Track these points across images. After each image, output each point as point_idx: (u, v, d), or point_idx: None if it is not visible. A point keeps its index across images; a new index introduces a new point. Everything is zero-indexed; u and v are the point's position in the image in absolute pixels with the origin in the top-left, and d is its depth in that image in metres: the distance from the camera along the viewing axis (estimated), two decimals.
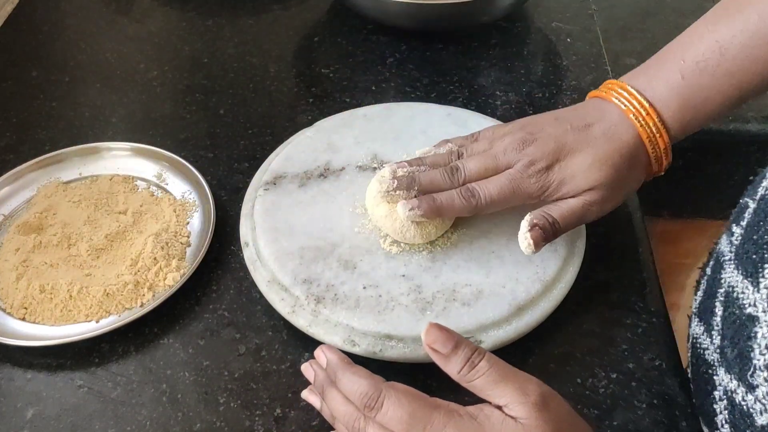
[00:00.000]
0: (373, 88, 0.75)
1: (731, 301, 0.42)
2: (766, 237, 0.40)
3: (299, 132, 0.66)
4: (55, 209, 0.61)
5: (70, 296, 0.54)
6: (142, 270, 0.55)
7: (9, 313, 0.54)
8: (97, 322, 0.53)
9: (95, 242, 0.58)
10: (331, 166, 0.61)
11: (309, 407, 0.49)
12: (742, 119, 0.73)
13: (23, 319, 0.54)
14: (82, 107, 0.74)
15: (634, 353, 0.52)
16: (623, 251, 0.59)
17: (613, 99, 0.53)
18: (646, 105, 0.52)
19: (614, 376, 0.51)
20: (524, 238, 0.50)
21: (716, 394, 0.44)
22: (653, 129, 0.52)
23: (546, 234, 0.50)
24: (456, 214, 0.53)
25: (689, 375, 0.50)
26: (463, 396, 0.50)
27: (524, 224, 0.50)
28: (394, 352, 0.49)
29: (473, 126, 0.65)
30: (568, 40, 0.81)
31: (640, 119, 0.52)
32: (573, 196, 0.52)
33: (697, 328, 0.48)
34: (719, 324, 0.44)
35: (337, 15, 0.86)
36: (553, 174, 0.51)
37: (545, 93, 0.74)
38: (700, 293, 0.49)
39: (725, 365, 0.43)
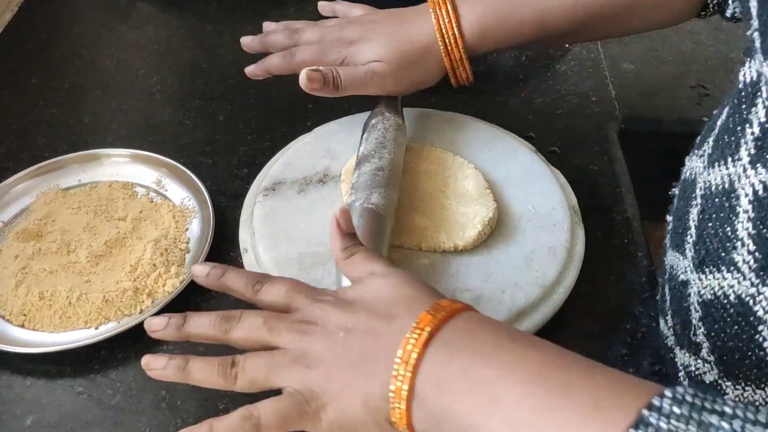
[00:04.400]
0: None
1: (671, 278, 0.46)
2: (684, 209, 0.43)
3: (298, 138, 0.66)
4: (54, 216, 0.61)
5: (70, 303, 0.54)
6: (142, 276, 0.55)
7: (8, 320, 0.54)
8: (96, 328, 0.53)
9: (94, 249, 0.58)
10: (330, 172, 0.61)
11: None
12: None
13: (22, 326, 0.54)
14: (82, 114, 0.74)
15: (633, 358, 0.52)
16: (622, 255, 0.59)
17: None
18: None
19: None
20: (303, 75, 0.57)
21: (680, 375, 0.46)
22: (450, 32, 0.59)
23: (325, 79, 0.57)
24: (276, 65, 0.63)
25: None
26: None
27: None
28: None
29: (472, 132, 0.65)
30: (567, 45, 0.82)
31: (440, 16, 0.59)
32: (363, 65, 0.59)
33: (661, 323, 0.51)
34: (668, 305, 0.47)
35: None
36: (354, 47, 0.60)
37: (544, 98, 0.74)
38: (659, 293, 0.52)
39: (677, 342, 0.46)
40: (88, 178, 0.65)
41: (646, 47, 0.82)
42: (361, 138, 0.59)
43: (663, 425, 0.29)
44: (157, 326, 0.43)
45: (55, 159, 0.66)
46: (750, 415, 0.29)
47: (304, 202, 0.59)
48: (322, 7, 0.68)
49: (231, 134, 0.71)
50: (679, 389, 0.30)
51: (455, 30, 0.59)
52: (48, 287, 0.55)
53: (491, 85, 0.76)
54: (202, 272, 0.46)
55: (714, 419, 0.29)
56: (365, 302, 0.40)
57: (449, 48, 0.59)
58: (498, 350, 0.36)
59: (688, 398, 0.30)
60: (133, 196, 0.63)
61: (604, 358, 0.52)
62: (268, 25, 0.67)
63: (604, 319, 0.55)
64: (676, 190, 0.49)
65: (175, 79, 0.78)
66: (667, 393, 0.30)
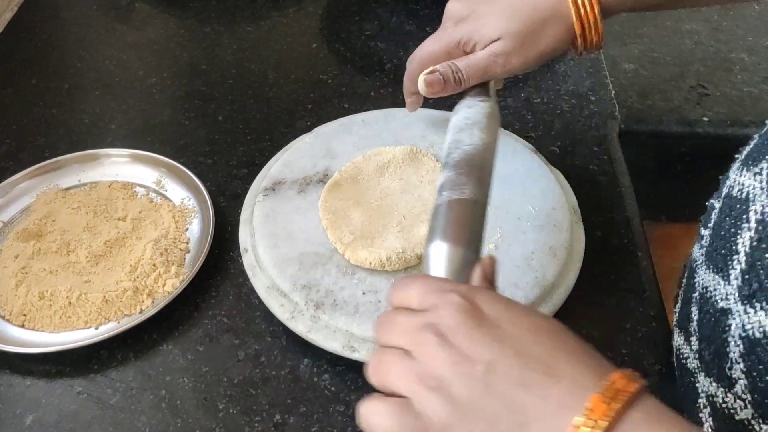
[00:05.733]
0: (372, 93, 0.75)
1: (705, 300, 0.42)
2: (731, 230, 0.40)
3: (298, 138, 0.66)
4: (54, 216, 0.61)
5: (69, 303, 0.54)
6: (142, 276, 0.55)
7: (8, 320, 0.54)
8: (96, 328, 0.53)
9: (94, 249, 0.58)
10: (330, 172, 0.61)
11: (308, 413, 0.49)
12: (740, 124, 0.73)
13: (22, 326, 0.54)
14: (82, 114, 0.74)
15: (634, 358, 0.52)
16: (622, 256, 0.59)
17: None
18: None
19: None
20: (420, 80, 0.53)
21: (700, 401, 0.43)
22: None
23: (445, 78, 0.53)
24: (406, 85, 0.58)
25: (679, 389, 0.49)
26: None
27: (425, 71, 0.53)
28: None
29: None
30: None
31: None
32: (483, 48, 0.53)
33: (678, 339, 0.48)
34: (696, 328, 0.44)
35: (336, 21, 0.86)
36: (468, 24, 0.53)
37: (543, 98, 0.74)
38: (678, 305, 0.49)
39: (704, 369, 0.42)
40: (88, 178, 0.65)
41: (645, 47, 0.82)
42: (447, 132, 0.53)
43: None
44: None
45: (55, 159, 0.66)
46: None
47: (304, 202, 0.59)
48: None
49: (230, 134, 0.71)
50: None
51: None
52: (48, 287, 0.55)
53: None
54: None
55: None
56: (514, 333, 0.33)
57: (582, 9, 0.51)
58: None
59: None
60: (133, 196, 0.63)
61: (604, 358, 0.52)
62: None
63: (604, 319, 0.55)
64: (715, 203, 0.44)
65: (175, 80, 0.78)
66: None
